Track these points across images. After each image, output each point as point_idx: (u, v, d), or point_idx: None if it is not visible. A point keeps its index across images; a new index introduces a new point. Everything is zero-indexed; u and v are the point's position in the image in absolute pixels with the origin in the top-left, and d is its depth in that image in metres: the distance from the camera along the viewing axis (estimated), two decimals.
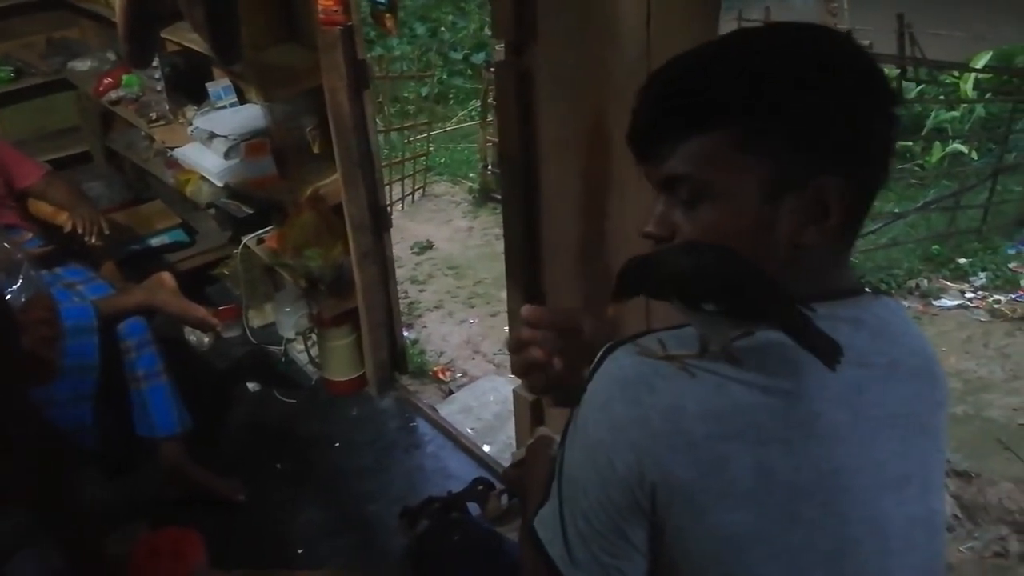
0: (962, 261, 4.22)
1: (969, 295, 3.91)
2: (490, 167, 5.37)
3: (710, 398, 0.68)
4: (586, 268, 1.50)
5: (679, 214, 0.75)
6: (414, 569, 1.28)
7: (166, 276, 2.19)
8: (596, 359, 0.73)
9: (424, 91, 6.33)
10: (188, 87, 2.72)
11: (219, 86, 2.57)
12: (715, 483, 0.67)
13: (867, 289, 0.82)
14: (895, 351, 0.75)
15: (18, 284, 1.48)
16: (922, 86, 5.87)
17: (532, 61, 1.40)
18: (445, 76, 7.33)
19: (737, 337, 0.70)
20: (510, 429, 2.70)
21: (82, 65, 3.25)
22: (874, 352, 0.73)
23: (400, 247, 4.55)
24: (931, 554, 0.75)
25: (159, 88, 2.67)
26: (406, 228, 5.05)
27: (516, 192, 1.54)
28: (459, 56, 7.58)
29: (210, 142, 2.46)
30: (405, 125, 5.46)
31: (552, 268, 1.58)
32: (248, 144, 2.37)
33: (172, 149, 2.62)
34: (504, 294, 4.32)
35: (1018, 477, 2.37)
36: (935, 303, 3.85)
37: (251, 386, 2.66)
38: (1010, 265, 4.16)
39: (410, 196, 5.51)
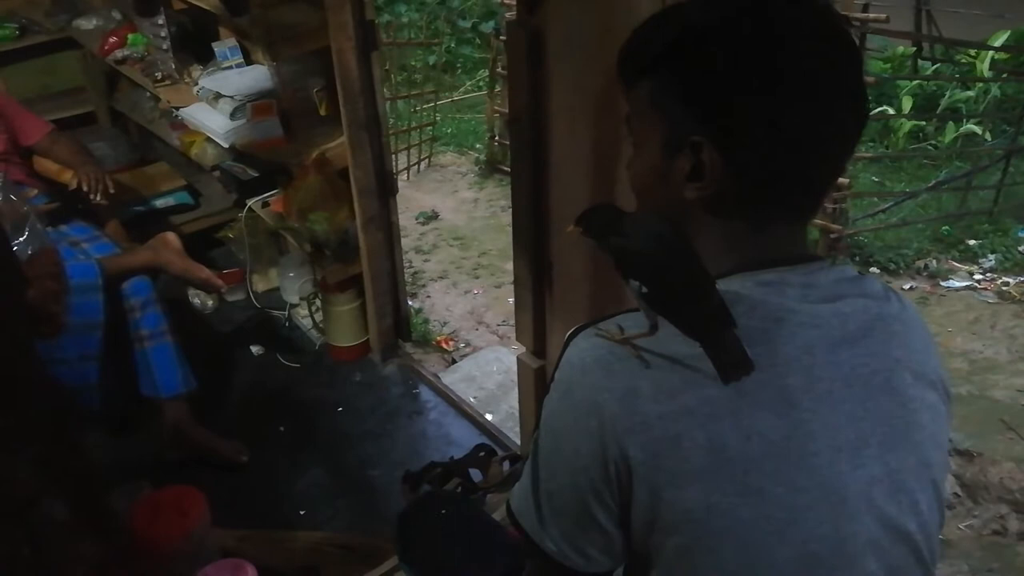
0: (972, 243, 4.18)
1: (978, 277, 3.88)
2: (497, 138, 5.33)
3: (663, 377, 0.70)
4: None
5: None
6: (399, 542, 1.28)
7: (171, 236, 2.18)
8: (563, 344, 0.76)
9: (432, 60, 6.26)
10: (194, 47, 2.69)
11: (225, 46, 2.54)
12: (669, 462, 0.69)
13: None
14: (849, 312, 0.75)
15: (24, 237, 1.47)
16: (937, 65, 5.79)
17: (544, 20, 1.38)
18: (453, 45, 7.24)
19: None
20: (512, 399, 2.70)
21: (87, 23, 3.21)
22: (826, 314, 0.74)
23: (405, 217, 4.52)
24: (895, 513, 0.74)
25: (165, 47, 2.64)
26: (411, 198, 5.03)
27: (525, 155, 1.52)
28: (467, 24, 7.48)
29: (216, 102, 2.43)
30: (412, 93, 5.41)
31: (560, 234, 1.57)
32: (255, 105, 2.35)
33: (178, 109, 2.60)
34: (509, 266, 4.33)
35: (1020, 457, 2.37)
36: (943, 284, 3.83)
37: (255, 350, 2.66)
38: (1020, 248, 4.13)
39: (416, 166, 5.47)
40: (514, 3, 1.44)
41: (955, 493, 2.22)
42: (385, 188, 2.32)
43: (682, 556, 0.72)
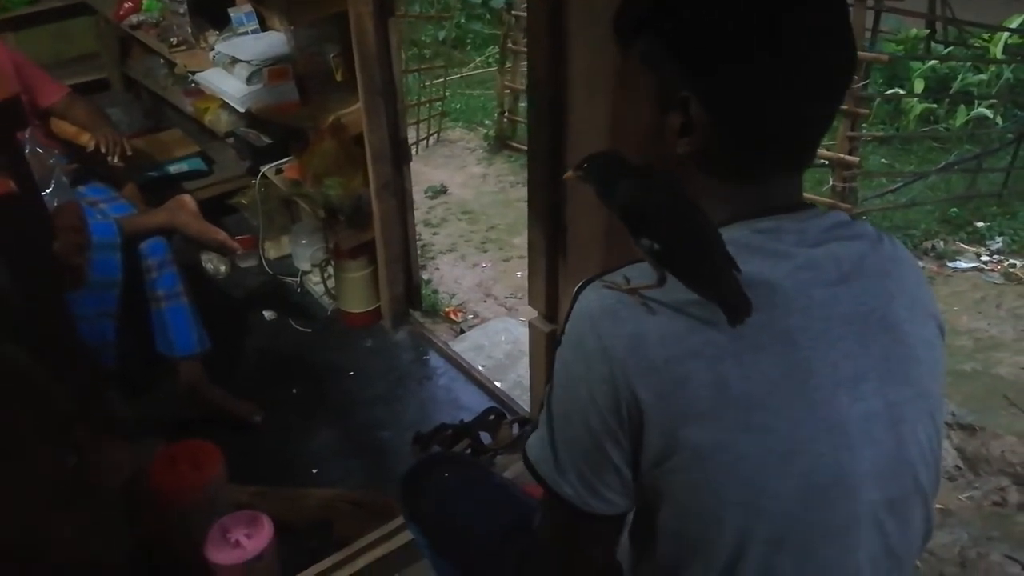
0: (980, 225, 4.19)
1: (985, 258, 3.90)
2: (507, 113, 5.33)
3: (668, 323, 0.73)
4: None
5: None
6: (404, 502, 1.31)
7: (187, 198, 2.20)
8: (572, 297, 0.80)
9: (442, 35, 6.24)
10: (210, 12, 2.70)
11: (241, 12, 2.55)
12: (678, 402, 0.73)
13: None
14: (843, 254, 0.78)
15: (50, 189, 1.49)
16: (950, 48, 5.76)
17: None
18: (463, 20, 7.21)
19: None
20: (520, 369, 2.73)
21: None
22: (822, 257, 0.77)
23: (414, 191, 4.52)
24: (894, 444, 0.77)
25: (182, 11, 2.64)
26: (420, 172, 5.03)
27: (544, 121, 1.53)
28: (478, 0, 7.45)
29: (232, 67, 2.44)
30: (421, 68, 5.40)
31: (575, 199, 1.59)
32: (271, 70, 2.36)
33: (193, 74, 2.61)
34: (517, 240, 4.34)
35: (1022, 432, 2.40)
36: (950, 265, 3.85)
37: (267, 314, 2.69)
38: None
39: (425, 140, 5.47)
40: None
41: (956, 465, 2.25)
42: (399, 155, 2.34)
43: (691, 492, 0.75)
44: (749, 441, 0.73)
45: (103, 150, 2.31)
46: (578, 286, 0.80)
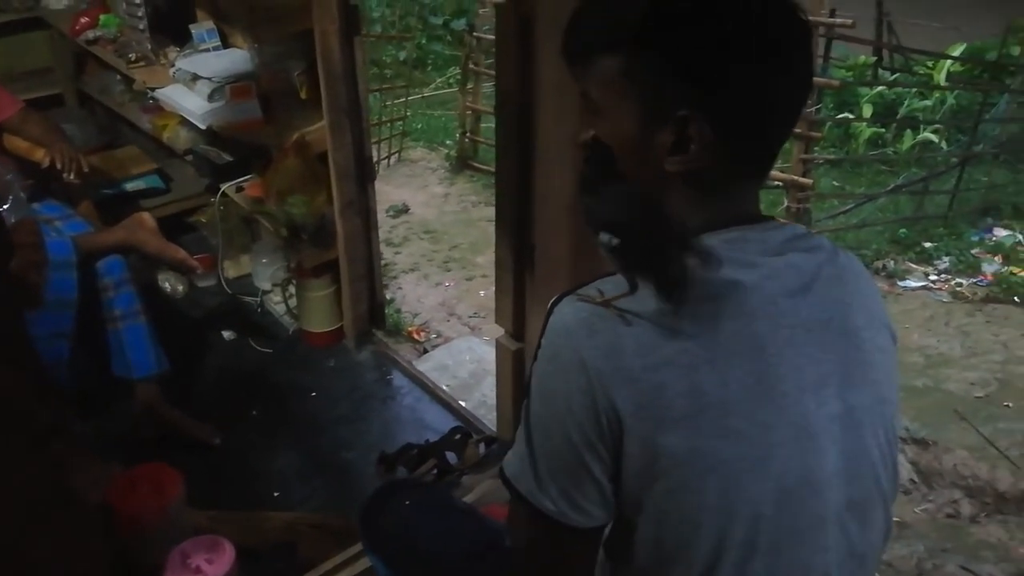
0: (927, 245, 4.35)
1: (933, 277, 4.04)
2: (469, 134, 5.36)
3: (643, 333, 0.75)
4: (578, 217, 1.52)
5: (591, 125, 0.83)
6: (364, 532, 1.29)
7: (146, 216, 2.16)
8: (547, 312, 0.80)
9: (403, 55, 6.26)
10: (170, 28, 2.66)
11: (203, 28, 2.52)
12: (655, 410, 0.74)
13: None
14: (802, 264, 0.81)
15: (8, 204, 1.45)
16: (897, 75, 5.99)
17: (533, 4, 1.41)
18: (424, 41, 7.25)
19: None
20: (485, 388, 2.72)
21: (57, 3, 3.15)
22: (783, 266, 0.79)
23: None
24: (854, 446, 0.80)
25: (141, 27, 2.60)
26: (382, 191, 4.97)
27: (512, 137, 1.55)
28: (439, 21, 7.50)
29: (193, 84, 2.41)
30: (383, 87, 5.40)
31: (543, 215, 1.60)
32: (233, 87, 2.33)
33: (153, 90, 2.57)
34: (480, 259, 4.34)
35: (972, 445, 2.48)
36: (900, 284, 3.98)
37: (226, 335, 2.64)
38: (973, 251, 4.31)
39: (386, 160, 5.47)
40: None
41: (911, 479, 2.31)
42: (364, 174, 2.33)
43: (669, 498, 0.76)
44: (726, 447, 0.75)
45: (59, 166, 2.25)
46: (552, 300, 0.81)
